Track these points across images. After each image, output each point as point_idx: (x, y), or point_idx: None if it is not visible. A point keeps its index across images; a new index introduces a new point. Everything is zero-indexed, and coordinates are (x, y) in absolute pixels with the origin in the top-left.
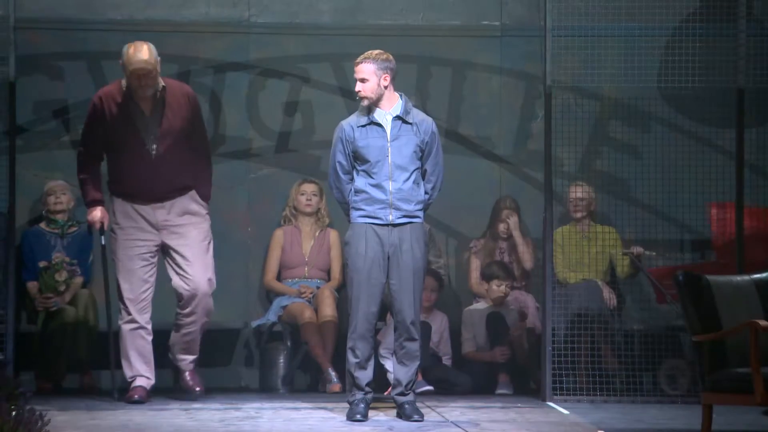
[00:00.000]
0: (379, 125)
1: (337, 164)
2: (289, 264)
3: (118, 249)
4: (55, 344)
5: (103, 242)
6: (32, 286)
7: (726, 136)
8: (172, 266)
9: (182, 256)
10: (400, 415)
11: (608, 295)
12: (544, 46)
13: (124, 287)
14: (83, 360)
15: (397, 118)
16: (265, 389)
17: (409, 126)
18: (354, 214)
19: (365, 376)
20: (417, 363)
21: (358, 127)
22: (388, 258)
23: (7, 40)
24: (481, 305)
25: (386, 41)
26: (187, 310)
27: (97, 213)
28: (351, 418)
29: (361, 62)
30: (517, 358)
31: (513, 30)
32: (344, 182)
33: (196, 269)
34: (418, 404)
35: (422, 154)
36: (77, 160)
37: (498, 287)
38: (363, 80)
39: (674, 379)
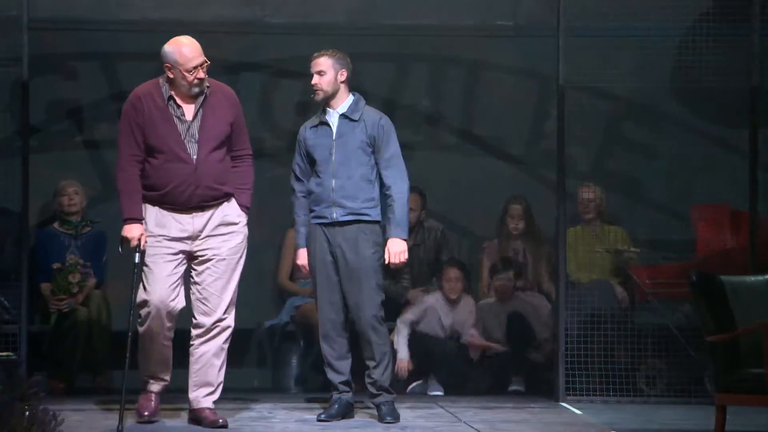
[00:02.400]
0: (328, 125)
1: (295, 166)
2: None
3: (147, 257)
4: (68, 345)
5: (137, 260)
6: (45, 287)
7: (739, 136)
8: (194, 277)
9: (212, 268)
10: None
11: (621, 294)
12: (558, 46)
13: (151, 296)
14: (96, 360)
15: (343, 116)
16: (278, 389)
17: (355, 123)
18: (309, 216)
19: (336, 376)
20: (386, 361)
21: (310, 128)
22: (336, 258)
23: (21, 40)
24: (491, 299)
25: (400, 41)
26: (203, 330)
27: (136, 230)
28: (317, 417)
29: (320, 56)
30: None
31: (526, 30)
32: (299, 184)
33: (220, 285)
34: (430, 404)
35: (372, 150)
36: (117, 169)
37: (499, 281)
38: (320, 72)
39: (654, 379)
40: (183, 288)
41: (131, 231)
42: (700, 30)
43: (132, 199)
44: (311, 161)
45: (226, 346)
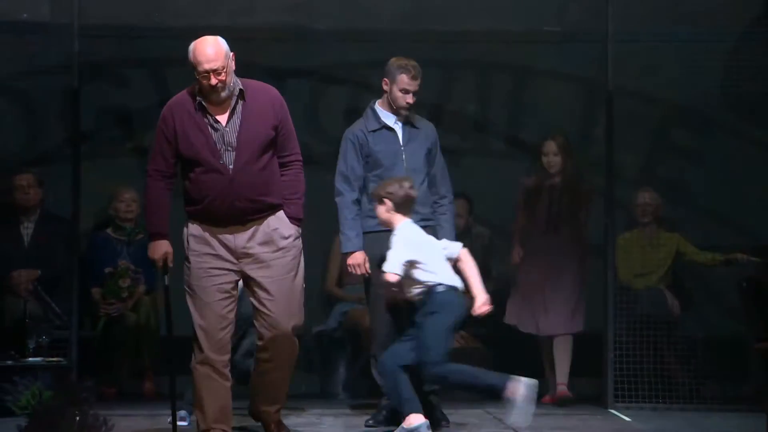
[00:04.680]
0: (391, 129)
1: (349, 169)
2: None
3: (191, 279)
4: (117, 350)
5: (166, 282)
6: (96, 291)
7: None
8: (253, 302)
9: (264, 290)
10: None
11: (672, 302)
12: (606, 52)
13: (198, 324)
14: (145, 366)
15: (407, 122)
16: (326, 395)
17: (418, 130)
18: (369, 222)
19: None
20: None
21: (369, 131)
22: None
23: (72, 47)
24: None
25: (446, 47)
26: (267, 355)
27: (160, 248)
28: (365, 423)
29: (418, 76)
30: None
31: (574, 35)
32: (349, 187)
33: (280, 307)
34: (477, 409)
35: (430, 157)
36: (147, 183)
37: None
38: (416, 93)
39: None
40: (234, 312)
41: (154, 251)
42: (749, 34)
43: (156, 214)
44: (371, 166)
45: (293, 362)
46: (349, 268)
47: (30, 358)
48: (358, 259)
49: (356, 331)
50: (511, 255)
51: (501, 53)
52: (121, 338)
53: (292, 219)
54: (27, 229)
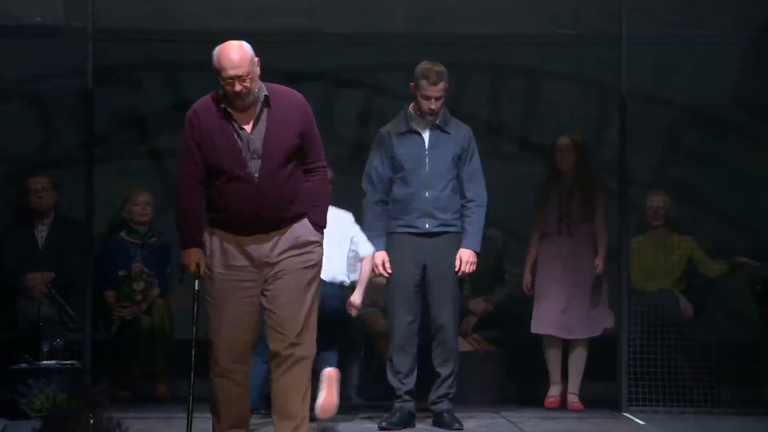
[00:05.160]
0: (417, 133)
1: (372, 170)
2: None
3: (213, 289)
4: (131, 353)
5: (197, 287)
6: (110, 294)
7: None
8: (264, 304)
9: (278, 293)
10: (438, 424)
11: (685, 305)
12: (620, 55)
13: (218, 336)
14: (157, 369)
15: (435, 127)
16: (340, 398)
17: (447, 135)
18: (392, 223)
19: (403, 385)
20: (456, 370)
21: (396, 134)
22: (425, 267)
23: (86, 51)
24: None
25: (459, 50)
26: (279, 359)
27: (194, 256)
28: (378, 425)
29: (440, 81)
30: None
31: (588, 39)
32: (373, 189)
33: (292, 310)
34: (491, 413)
35: (459, 162)
36: (176, 190)
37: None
38: (439, 98)
39: (718, 390)
40: (257, 325)
41: (188, 257)
42: (762, 37)
43: (189, 224)
44: (395, 168)
45: (306, 377)
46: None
47: (44, 361)
48: (377, 260)
49: (369, 334)
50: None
51: (514, 56)
52: (135, 341)
53: (315, 225)
54: (41, 232)
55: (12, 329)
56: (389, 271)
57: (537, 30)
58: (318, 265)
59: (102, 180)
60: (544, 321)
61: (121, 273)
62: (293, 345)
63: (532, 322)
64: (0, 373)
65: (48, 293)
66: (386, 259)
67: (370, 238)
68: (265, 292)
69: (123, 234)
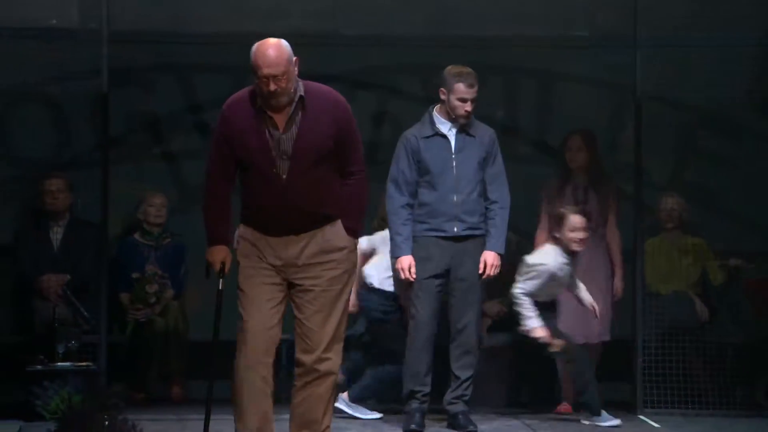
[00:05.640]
0: (444, 136)
1: (399, 173)
2: None
3: (241, 279)
4: (145, 355)
5: (220, 287)
6: (124, 296)
7: None
8: (294, 311)
9: (308, 300)
10: (452, 426)
11: (700, 308)
12: (635, 57)
13: (246, 326)
14: (173, 371)
15: (461, 130)
16: (353, 400)
17: (472, 138)
18: (418, 227)
19: (423, 387)
20: (475, 372)
21: (422, 138)
22: (449, 270)
23: (101, 53)
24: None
25: (474, 52)
26: (305, 368)
27: (219, 253)
28: (406, 428)
29: (475, 84)
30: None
31: (602, 41)
32: (400, 192)
33: (320, 319)
34: (507, 415)
35: (484, 164)
36: (204, 185)
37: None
38: (473, 101)
39: (733, 392)
40: (281, 320)
41: (213, 254)
42: None
43: (217, 220)
44: (421, 172)
45: (331, 390)
46: (395, 272)
47: (59, 363)
48: (404, 264)
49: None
50: None
51: (529, 58)
52: (150, 343)
53: (349, 230)
54: (56, 233)
55: (27, 331)
56: (414, 276)
57: (552, 32)
58: (349, 272)
59: (117, 182)
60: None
61: (134, 275)
62: (320, 359)
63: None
64: (15, 375)
65: (63, 295)
66: (412, 263)
67: (397, 243)
68: (295, 299)
69: (137, 236)
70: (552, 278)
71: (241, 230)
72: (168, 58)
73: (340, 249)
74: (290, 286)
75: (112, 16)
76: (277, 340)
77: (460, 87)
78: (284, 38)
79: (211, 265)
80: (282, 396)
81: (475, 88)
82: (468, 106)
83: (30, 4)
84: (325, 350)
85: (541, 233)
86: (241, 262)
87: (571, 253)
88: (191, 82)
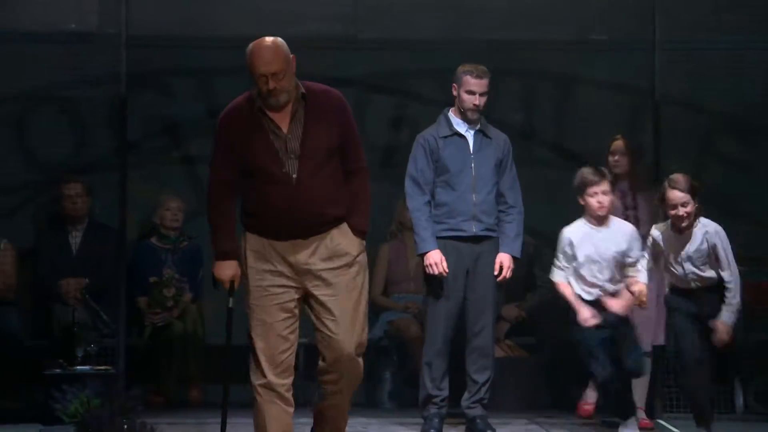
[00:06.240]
0: (462, 136)
1: (419, 172)
2: (395, 279)
3: (250, 298)
4: (163, 358)
5: (230, 304)
6: (142, 300)
7: None
8: (314, 320)
9: (326, 308)
10: (471, 430)
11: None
12: (653, 60)
13: (258, 345)
14: (192, 374)
15: (479, 131)
16: (372, 404)
17: (489, 140)
18: (436, 228)
19: (441, 392)
20: (492, 376)
21: (440, 137)
22: (467, 272)
23: (119, 57)
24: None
25: (492, 56)
26: (329, 377)
27: (227, 270)
28: None
29: (484, 77)
30: None
31: (620, 44)
32: (420, 192)
33: (342, 327)
34: (524, 420)
35: (500, 168)
36: (207, 197)
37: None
38: (483, 94)
39: (752, 397)
40: (297, 332)
41: (221, 271)
42: None
43: (222, 231)
44: (439, 171)
45: (352, 388)
46: (426, 268)
47: (78, 367)
48: (435, 258)
49: (402, 340)
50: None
51: (547, 62)
52: (168, 346)
53: (356, 231)
54: (75, 238)
55: (47, 335)
56: (447, 270)
57: (569, 35)
58: (362, 273)
59: (135, 186)
60: None
61: (152, 279)
62: (344, 363)
63: None
64: (35, 379)
65: (82, 299)
66: (443, 257)
67: (423, 238)
68: (313, 309)
69: (154, 240)
70: (571, 246)
71: (247, 240)
72: (186, 62)
73: (350, 252)
74: (306, 297)
75: (131, 20)
76: (293, 358)
77: (469, 79)
78: (301, 42)
79: (221, 283)
80: (299, 399)
81: (484, 81)
82: (476, 99)
83: (49, 8)
84: (349, 354)
85: None
86: (249, 279)
87: (597, 220)
88: (209, 85)
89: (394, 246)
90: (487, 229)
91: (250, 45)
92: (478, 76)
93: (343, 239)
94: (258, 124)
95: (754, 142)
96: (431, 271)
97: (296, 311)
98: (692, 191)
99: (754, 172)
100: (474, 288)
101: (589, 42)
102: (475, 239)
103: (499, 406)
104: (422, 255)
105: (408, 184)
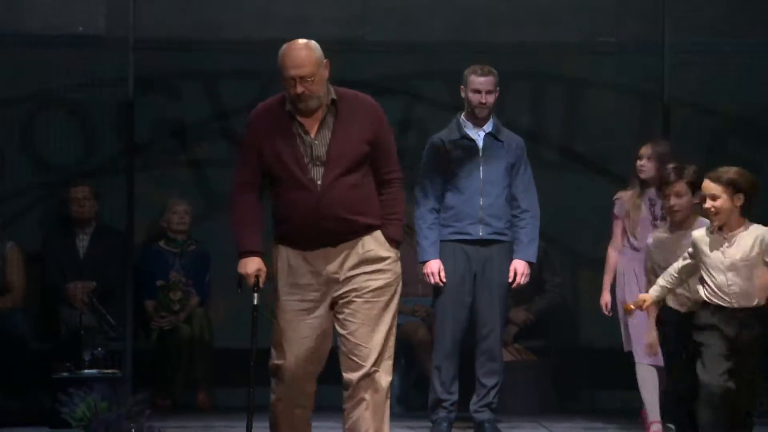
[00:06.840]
0: (471, 140)
1: (426, 178)
2: (402, 282)
3: (278, 312)
4: (170, 362)
5: (255, 302)
6: (149, 304)
7: None
8: (337, 327)
9: (351, 313)
10: None
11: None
12: (662, 63)
13: (282, 358)
14: (199, 378)
15: (490, 135)
16: None
17: (500, 143)
18: (443, 231)
19: (450, 396)
20: (501, 380)
21: (449, 141)
22: (475, 276)
23: (127, 60)
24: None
25: (500, 58)
26: (350, 391)
27: (252, 265)
28: None
29: (489, 75)
30: None
31: (629, 46)
32: (427, 197)
33: (364, 334)
34: (533, 423)
35: (512, 171)
36: (232, 196)
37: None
38: (490, 92)
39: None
40: (328, 345)
41: (246, 266)
42: None
43: (247, 230)
44: (448, 175)
45: (384, 409)
46: (425, 277)
47: (85, 370)
48: (433, 268)
49: (409, 344)
50: (601, 298)
51: (555, 64)
52: (175, 350)
53: (390, 240)
54: (82, 241)
55: (54, 338)
56: (444, 279)
57: (578, 38)
58: (394, 284)
59: (142, 189)
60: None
61: (159, 283)
62: (368, 375)
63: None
64: (42, 382)
65: (89, 302)
66: (441, 267)
67: (423, 247)
68: (337, 315)
69: (161, 243)
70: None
71: (278, 253)
72: (193, 65)
73: (383, 259)
74: (332, 303)
75: (138, 23)
76: (318, 370)
77: (474, 78)
78: None
79: (246, 278)
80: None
81: (489, 79)
82: (482, 98)
83: (57, 11)
84: (373, 365)
85: (612, 247)
86: (279, 292)
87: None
88: (216, 89)
89: (402, 249)
90: (496, 233)
91: (283, 46)
92: (482, 74)
93: (376, 246)
94: (286, 127)
95: (764, 144)
96: (429, 281)
97: (325, 326)
98: (693, 186)
99: (764, 174)
100: (482, 292)
101: (598, 44)
102: (483, 243)
103: (508, 409)
104: (422, 263)
105: (417, 189)
